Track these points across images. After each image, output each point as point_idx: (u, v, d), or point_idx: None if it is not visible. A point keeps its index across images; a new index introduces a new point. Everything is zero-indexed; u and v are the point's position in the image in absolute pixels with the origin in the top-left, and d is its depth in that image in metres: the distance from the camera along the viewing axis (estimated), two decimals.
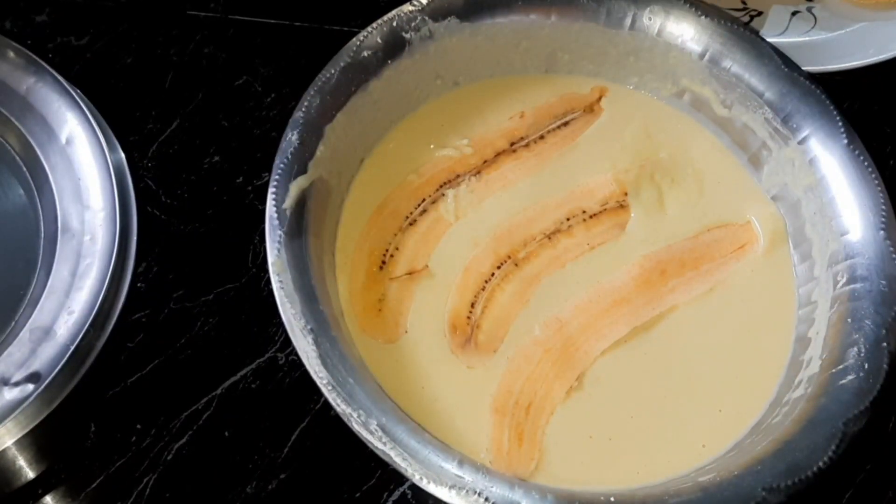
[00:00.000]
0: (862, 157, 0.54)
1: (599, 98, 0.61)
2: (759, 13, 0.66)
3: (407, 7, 0.57)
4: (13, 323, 0.53)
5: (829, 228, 0.54)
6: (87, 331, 0.51)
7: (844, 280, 0.52)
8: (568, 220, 0.57)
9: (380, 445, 0.45)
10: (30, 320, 0.51)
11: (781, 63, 0.57)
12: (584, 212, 0.57)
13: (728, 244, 0.56)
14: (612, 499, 0.45)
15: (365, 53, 0.56)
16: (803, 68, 0.57)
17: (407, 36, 0.57)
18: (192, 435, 0.55)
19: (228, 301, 0.59)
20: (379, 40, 0.56)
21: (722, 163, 0.60)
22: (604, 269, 0.55)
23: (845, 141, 0.54)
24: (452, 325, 0.53)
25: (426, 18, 0.57)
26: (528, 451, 0.50)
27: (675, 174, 0.59)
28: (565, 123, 0.60)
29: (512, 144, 0.59)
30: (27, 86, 0.58)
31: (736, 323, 0.54)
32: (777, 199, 0.58)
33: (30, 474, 0.53)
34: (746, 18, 0.65)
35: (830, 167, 0.54)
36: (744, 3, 0.66)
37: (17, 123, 0.57)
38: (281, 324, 0.48)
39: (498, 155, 0.59)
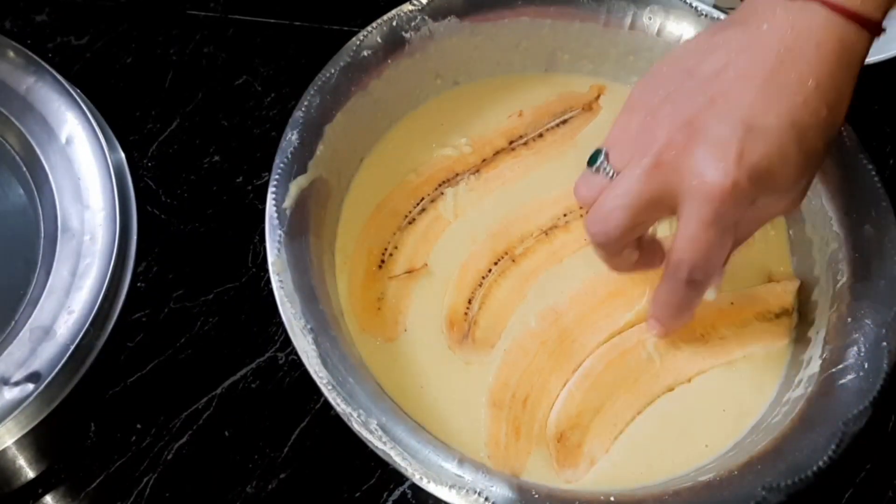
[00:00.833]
0: (862, 157, 0.54)
1: (598, 96, 0.61)
2: None
3: (407, 7, 0.57)
4: (13, 323, 0.53)
5: (829, 228, 0.54)
6: (87, 330, 0.51)
7: (844, 280, 0.52)
8: (565, 215, 0.57)
9: (380, 445, 0.45)
10: (30, 320, 0.51)
11: None
12: (581, 207, 0.57)
13: None
14: (612, 498, 0.45)
15: (365, 53, 0.56)
16: None
17: (407, 35, 0.57)
18: (192, 435, 0.55)
19: (228, 301, 0.59)
20: (379, 40, 0.56)
21: None
22: (601, 264, 0.55)
23: (846, 141, 0.54)
24: (450, 321, 0.53)
25: (426, 18, 0.57)
26: (526, 446, 0.50)
27: None
28: (564, 122, 0.60)
29: (511, 143, 0.59)
30: (27, 86, 0.58)
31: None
32: None
33: (30, 474, 0.53)
34: None
35: (830, 167, 0.54)
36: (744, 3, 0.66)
37: (17, 123, 0.57)
38: (281, 323, 0.48)
39: (497, 153, 0.59)
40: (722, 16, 0.58)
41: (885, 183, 0.53)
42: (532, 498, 0.44)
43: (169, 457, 0.54)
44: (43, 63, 0.58)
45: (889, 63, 0.65)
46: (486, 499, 0.44)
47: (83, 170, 0.56)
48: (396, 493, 0.54)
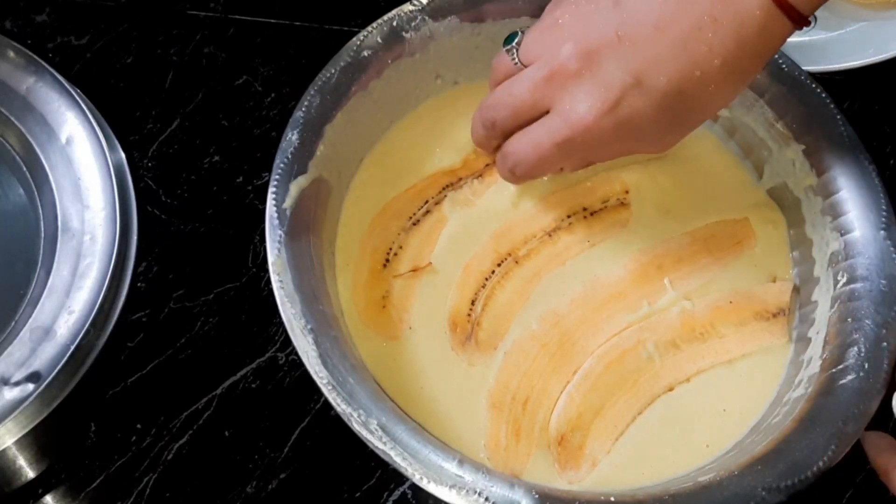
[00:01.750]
0: (862, 157, 0.54)
1: None
2: None
3: (407, 7, 0.57)
4: (13, 323, 0.53)
5: (828, 228, 0.54)
6: (88, 330, 0.51)
7: (844, 280, 0.52)
8: (569, 217, 0.56)
9: (380, 445, 0.45)
10: (30, 320, 0.51)
11: (781, 63, 0.57)
12: (584, 209, 0.57)
13: (725, 240, 0.56)
14: (612, 499, 0.45)
15: (365, 53, 0.56)
16: (803, 68, 0.57)
17: (407, 35, 0.57)
18: (192, 435, 0.55)
19: (228, 301, 0.59)
20: (379, 40, 0.56)
21: (723, 162, 0.59)
22: (604, 265, 0.55)
23: (846, 141, 0.54)
24: (453, 322, 0.53)
25: (426, 18, 0.57)
26: (526, 448, 0.50)
27: (677, 173, 0.58)
28: None
29: None
30: (27, 86, 0.58)
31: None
32: (777, 199, 0.58)
33: (30, 474, 0.53)
34: None
35: (830, 167, 0.54)
36: None
37: (17, 123, 0.57)
38: (281, 323, 0.48)
39: None
40: None
41: (885, 183, 0.53)
42: (532, 498, 0.44)
43: (169, 457, 0.54)
44: (43, 63, 0.58)
45: (889, 63, 0.65)
46: (487, 499, 0.44)
47: (83, 170, 0.56)
48: (396, 494, 0.54)
